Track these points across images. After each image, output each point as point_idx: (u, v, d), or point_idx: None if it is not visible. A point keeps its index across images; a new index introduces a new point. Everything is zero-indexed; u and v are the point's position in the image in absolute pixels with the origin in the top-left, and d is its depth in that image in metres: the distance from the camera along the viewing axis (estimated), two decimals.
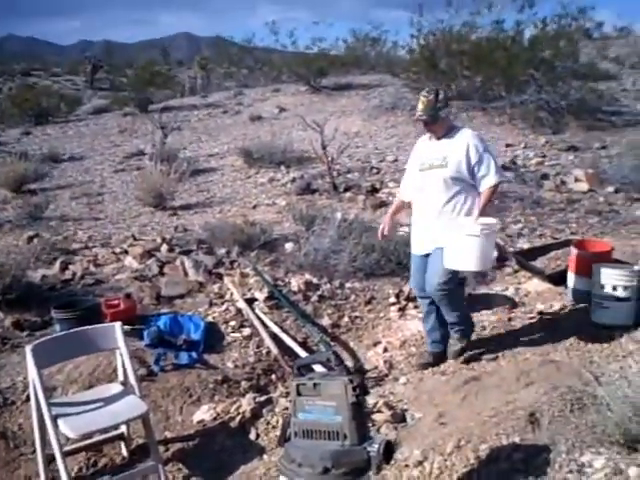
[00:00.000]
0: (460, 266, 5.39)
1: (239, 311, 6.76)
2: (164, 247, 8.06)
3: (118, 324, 4.99)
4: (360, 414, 3.32)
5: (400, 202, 6.09)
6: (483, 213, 5.39)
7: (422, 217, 5.68)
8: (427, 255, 5.68)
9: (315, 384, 3.36)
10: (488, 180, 5.43)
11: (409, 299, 7.11)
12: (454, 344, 5.88)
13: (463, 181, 5.46)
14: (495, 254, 5.54)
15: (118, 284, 7.21)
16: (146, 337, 6.14)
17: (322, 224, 8.02)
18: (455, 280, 5.63)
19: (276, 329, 6.52)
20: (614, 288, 6.13)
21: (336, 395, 3.27)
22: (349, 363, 6.17)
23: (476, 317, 6.70)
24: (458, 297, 5.82)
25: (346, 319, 6.91)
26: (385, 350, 6.31)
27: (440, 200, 5.50)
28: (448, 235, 5.32)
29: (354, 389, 3.24)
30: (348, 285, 7.33)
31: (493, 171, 5.43)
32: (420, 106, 5.45)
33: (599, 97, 14.92)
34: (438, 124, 5.49)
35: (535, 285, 7.38)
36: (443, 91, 5.59)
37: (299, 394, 3.40)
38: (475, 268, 5.51)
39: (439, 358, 5.93)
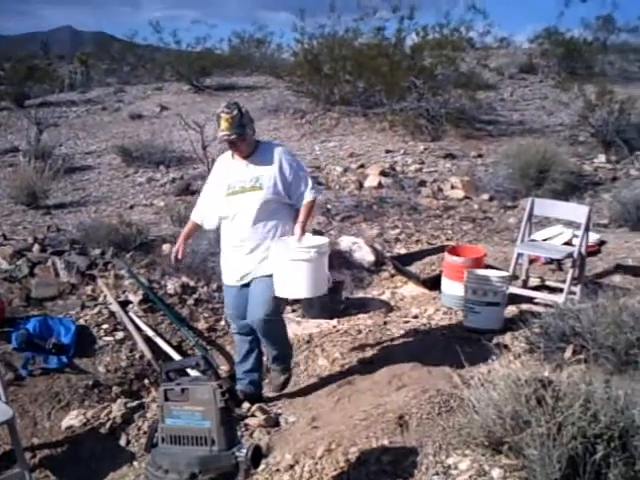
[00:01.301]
0: (292, 294, 5.12)
1: (112, 314, 6.61)
2: (36, 247, 7.77)
3: None
4: (229, 419, 3.28)
5: (193, 225, 5.53)
6: (304, 230, 5.10)
7: (236, 245, 5.21)
8: (245, 285, 5.26)
9: (183, 389, 3.30)
10: (306, 197, 5.12)
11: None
12: (277, 377, 5.55)
13: (280, 201, 5.11)
14: (329, 274, 5.13)
15: None
16: (14, 340, 5.91)
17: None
18: (281, 309, 5.42)
19: (150, 333, 6.40)
20: (485, 293, 6.31)
21: (204, 400, 3.22)
22: (225, 367, 6.11)
23: (352, 321, 6.77)
24: (283, 328, 5.46)
25: (222, 323, 6.83)
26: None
27: (257, 225, 5.08)
28: (274, 261, 4.96)
29: (223, 394, 3.20)
30: None
31: (310, 186, 5.15)
32: (224, 124, 4.91)
33: (478, 106, 15.29)
34: (246, 142, 5.04)
35: (410, 289, 7.52)
36: (243, 106, 5.07)
37: (167, 399, 3.34)
38: (309, 295, 5.19)
39: (253, 397, 5.48)
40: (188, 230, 5.54)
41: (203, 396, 3.23)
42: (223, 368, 6.03)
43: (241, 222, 5.12)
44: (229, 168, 5.22)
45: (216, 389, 3.20)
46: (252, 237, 5.10)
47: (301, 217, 5.11)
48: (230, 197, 5.13)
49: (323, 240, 5.15)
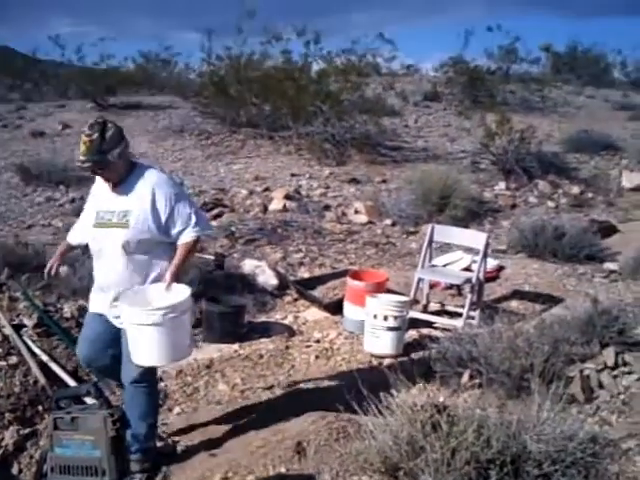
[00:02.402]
0: (142, 361, 4.24)
1: (6, 338, 6.37)
2: None
3: None
4: (120, 449, 3.21)
5: (68, 246, 4.80)
6: (176, 277, 4.33)
7: (102, 286, 4.51)
8: (107, 321, 4.42)
9: (73, 418, 3.21)
10: (186, 235, 4.36)
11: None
12: (134, 466, 4.35)
13: (152, 241, 4.36)
14: (188, 342, 4.38)
15: None
16: None
17: None
18: (154, 375, 4.70)
19: (45, 357, 6.20)
20: (385, 318, 6.36)
21: (95, 429, 3.14)
22: (121, 393, 5.96)
23: (254, 345, 6.73)
24: (148, 398, 4.59)
25: None
26: (160, 380, 6.16)
27: (121, 266, 4.36)
28: (124, 322, 4.17)
29: (114, 423, 3.13)
30: None
31: (192, 223, 4.36)
32: (82, 148, 4.18)
33: (382, 132, 15.49)
34: (110, 169, 4.26)
35: (313, 314, 7.53)
36: (113, 124, 4.27)
37: (56, 428, 3.24)
38: (161, 363, 4.50)
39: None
40: (63, 249, 4.80)
41: (93, 425, 3.15)
42: (119, 394, 5.88)
43: (105, 262, 4.45)
44: (102, 193, 4.50)
45: (107, 417, 3.13)
46: (117, 282, 4.39)
47: (175, 260, 4.35)
48: (97, 229, 4.43)
49: (183, 295, 4.22)
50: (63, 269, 5.41)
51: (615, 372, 5.25)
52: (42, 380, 5.91)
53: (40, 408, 5.77)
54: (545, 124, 17.55)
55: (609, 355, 5.36)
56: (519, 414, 3.60)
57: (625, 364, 5.31)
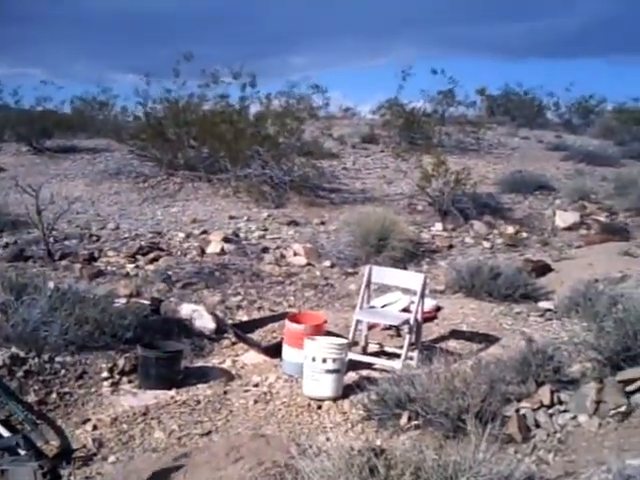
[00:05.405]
0: None
1: None
2: None
3: None
4: None
5: None
6: None
7: None
8: None
9: (3, 470, 3.11)
10: None
11: (123, 373, 6.88)
12: None
13: None
14: None
15: None
16: None
17: (33, 293, 7.59)
18: None
19: None
20: (324, 360, 6.34)
21: None
22: (55, 442, 5.80)
23: (191, 391, 6.64)
24: None
25: (54, 395, 6.51)
26: (95, 428, 6.01)
27: None
28: None
29: (44, 475, 3.04)
30: (58, 359, 6.95)
31: None
32: None
33: (321, 175, 15.57)
34: None
35: (252, 357, 7.47)
36: None
37: None
38: None
39: None
40: None
41: (23, 478, 3.05)
42: (53, 443, 5.71)
43: None
44: None
45: (37, 470, 3.04)
46: None
47: None
48: None
49: None
50: None
51: (551, 410, 5.31)
52: None
53: None
54: (480, 165, 17.86)
55: (545, 394, 5.42)
56: (456, 455, 3.59)
57: (561, 402, 5.38)
